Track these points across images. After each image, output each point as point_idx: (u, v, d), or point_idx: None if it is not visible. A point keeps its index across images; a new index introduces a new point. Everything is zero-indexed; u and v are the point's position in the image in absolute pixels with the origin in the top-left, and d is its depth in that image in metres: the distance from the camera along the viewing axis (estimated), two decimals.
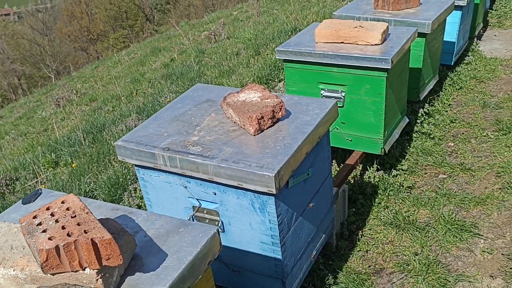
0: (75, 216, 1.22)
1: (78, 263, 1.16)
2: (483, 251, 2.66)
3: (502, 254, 2.58)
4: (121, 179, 3.79)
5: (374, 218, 3.05)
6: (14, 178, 4.71)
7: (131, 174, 3.82)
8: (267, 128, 1.99)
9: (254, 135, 1.96)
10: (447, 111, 4.15)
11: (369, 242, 2.89)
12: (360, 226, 3.00)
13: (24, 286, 1.21)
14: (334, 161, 3.62)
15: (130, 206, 3.43)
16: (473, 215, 2.95)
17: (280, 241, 1.89)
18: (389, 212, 3.05)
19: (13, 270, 1.21)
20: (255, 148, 1.87)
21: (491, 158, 3.42)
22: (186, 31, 11.34)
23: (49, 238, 1.15)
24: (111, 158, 4.39)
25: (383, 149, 3.09)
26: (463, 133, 3.82)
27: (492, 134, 3.68)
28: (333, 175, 3.10)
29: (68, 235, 1.16)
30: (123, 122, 5.49)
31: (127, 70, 9.58)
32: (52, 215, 1.24)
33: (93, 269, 1.16)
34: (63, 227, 1.18)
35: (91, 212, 1.24)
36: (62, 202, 1.28)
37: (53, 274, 1.19)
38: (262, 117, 1.96)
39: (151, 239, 1.40)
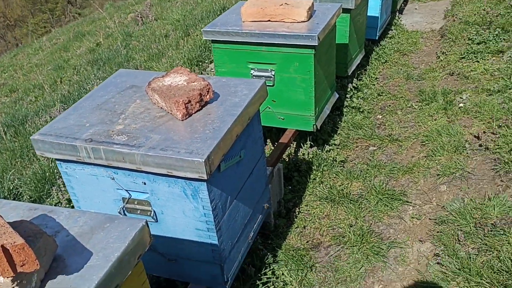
0: None
1: None
2: (412, 218, 2.78)
3: (429, 219, 2.72)
4: (48, 174, 3.58)
5: (310, 194, 3.10)
6: None
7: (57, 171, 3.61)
8: (195, 112, 1.94)
9: (182, 120, 1.89)
10: (374, 84, 4.27)
11: (306, 218, 2.94)
12: (297, 203, 3.04)
13: None
14: (268, 140, 3.63)
15: (59, 201, 3.26)
16: (402, 184, 3.08)
17: (215, 226, 1.86)
18: (324, 187, 3.12)
19: None
20: (183, 134, 1.81)
21: (416, 128, 3.57)
22: (111, 14, 10.84)
23: None
24: (36, 152, 4.13)
25: (315, 126, 3.13)
26: (389, 105, 3.96)
27: (416, 105, 3.84)
28: (267, 155, 3.11)
29: None
30: (47, 112, 5.18)
31: (50, 57, 9.03)
32: None
33: (7, 277, 1.07)
34: None
35: (1, 216, 1.13)
36: None
37: None
38: (189, 101, 1.90)
39: (74, 238, 1.32)
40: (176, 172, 1.71)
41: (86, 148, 1.78)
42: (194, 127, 1.85)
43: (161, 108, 1.99)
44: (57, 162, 1.94)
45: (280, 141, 3.10)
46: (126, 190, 1.90)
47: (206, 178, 1.70)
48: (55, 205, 3.24)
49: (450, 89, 3.80)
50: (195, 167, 1.67)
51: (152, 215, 1.92)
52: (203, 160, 1.65)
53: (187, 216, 1.86)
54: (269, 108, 3.15)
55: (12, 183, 3.62)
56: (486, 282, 2.08)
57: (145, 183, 1.84)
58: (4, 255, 1.05)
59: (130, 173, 1.84)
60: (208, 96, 1.97)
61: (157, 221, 1.94)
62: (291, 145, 3.47)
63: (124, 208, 1.95)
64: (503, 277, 2.06)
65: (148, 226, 1.35)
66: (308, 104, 3.04)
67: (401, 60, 4.72)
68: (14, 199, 3.47)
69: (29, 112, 5.46)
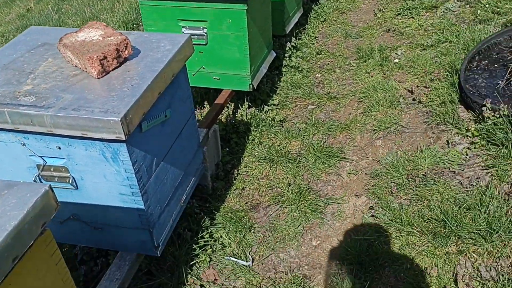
0: None
1: None
2: (349, 173, 2.80)
3: (365, 174, 2.74)
4: None
5: (248, 155, 3.05)
6: None
7: None
8: (113, 70, 1.79)
9: (98, 78, 1.75)
10: (313, 43, 4.22)
11: (245, 179, 2.89)
12: (235, 165, 2.98)
13: None
14: (206, 103, 3.52)
15: None
16: (340, 141, 3.08)
17: (140, 190, 1.75)
18: (263, 148, 3.07)
19: None
20: (99, 92, 1.67)
21: (353, 85, 3.56)
22: None
23: None
24: None
25: (251, 85, 3.04)
26: (328, 64, 3.93)
27: (354, 63, 3.83)
28: (202, 116, 3.01)
29: None
30: None
31: None
32: None
33: None
34: None
35: None
36: None
37: None
38: (105, 57, 1.75)
39: None
40: (92, 133, 1.58)
41: None
42: (111, 85, 1.71)
43: (76, 66, 1.83)
44: None
45: (215, 102, 2.99)
46: (40, 157, 1.75)
47: (124, 139, 1.58)
48: None
49: (386, 45, 3.81)
50: (111, 127, 1.55)
51: (71, 181, 1.79)
52: (119, 119, 1.53)
53: (109, 180, 1.75)
54: (203, 68, 3.02)
55: None
56: (417, 231, 2.11)
57: (60, 148, 1.70)
58: None
59: (42, 137, 1.69)
60: (126, 52, 1.82)
61: (77, 188, 1.81)
62: (229, 106, 3.38)
63: (39, 176, 1.80)
64: (433, 225, 2.11)
65: (53, 191, 1.23)
66: (243, 63, 2.94)
67: (339, 19, 4.68)
68: None
69: None
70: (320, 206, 2.63)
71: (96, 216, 1.90)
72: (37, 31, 2.14)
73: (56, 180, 1.80)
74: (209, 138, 2.70)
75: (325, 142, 3.07)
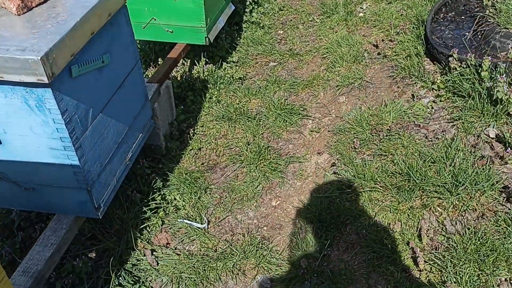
0: None
1: None
2: (311, 131, 2.65)
3: (328, 131, 2.60)
4: None
5: (206, 114, 2.86)
6: None
7: None
8: (36, 6, 1.55)
9: (18, 15, 1.51)
10: (276, 0, 4.00)
11: (202, 139, 2.70)
12: (192, 124, 2.78)
13: None
14: (160, 59, 3.28)
15: None
16: (302, 98, 2.92)
17: (73, 144, 1.55)
18: (221, 106, 2.88)
19: None
20: (18, 30, 1.44)
21: (317, 41, 3.39)
22: None
23: None
24: None
25: (207, 39, 2.82)
26: (291, 20, 3.73)
27: (317, 18, 3.64)
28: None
29: None
30: None
31: None
32: None
33: None
34: None
35: None
36: None
37: None
38: None
39: None
40: (8, 75, 1.36)
41: None
42: (33, 22, 1.47)
43: None
44: None
45: (168, 56, 2.77)
46: None
47: (47, 82, 1.36)
48: None
49: (352, 0, 3.63)
50: (31, 68, 1.33)
51: None
52: (39, 58, 1.31)
53: (36, 133, 1.53)
54: (155, 19, 2.77)
55: None
56: (380, 186, 2.00)
57: None
58: None
59: None
60: None
61: (1, 143, 1.59)
62: (184, 63, 3.15)
63: None
64: (396, 180, 1.99)
65: None
66: (198, 14, 2.71)
67: None
68: None
69: None
70: (281, 165, 2.48)
71: (26, 175, 1.68)
72: None
73: None
74: (160, 94, 2.49)
75: (286, 99, 2.91)
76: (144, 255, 2.10)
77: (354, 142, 2.29)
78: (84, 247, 2.02)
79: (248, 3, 3.69)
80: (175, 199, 2.35)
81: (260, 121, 2.76)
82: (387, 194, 1.94)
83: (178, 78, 3.02)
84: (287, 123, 2.73)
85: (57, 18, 1.48)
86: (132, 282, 1.96)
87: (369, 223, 1.88)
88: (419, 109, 2.33)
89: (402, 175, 1.97)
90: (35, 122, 1.51)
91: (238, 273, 2.00)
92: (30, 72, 1.34)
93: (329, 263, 1.84)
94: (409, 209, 1.84)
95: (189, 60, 3.16)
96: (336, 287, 1.74)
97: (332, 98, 2.82)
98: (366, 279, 1.73)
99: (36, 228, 2.06)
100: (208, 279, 2.00)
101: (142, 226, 2.18)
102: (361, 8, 3.43)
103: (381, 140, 2.21)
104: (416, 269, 1.68)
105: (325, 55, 3.18)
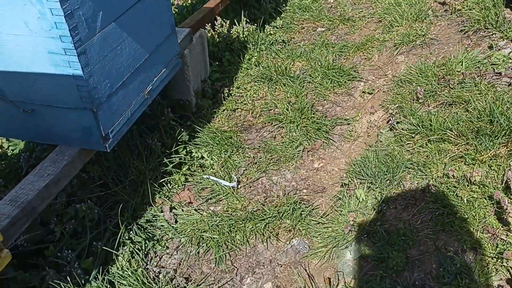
0: None
1: None
2: (363, 92, 2.29)
3: (383, 92, 2.22)
4: None
5: (244, 76, 2.56)
6: None
7: None
8: None
9: None
10: None
11: (237, 100, 2.40)
12: (227, 85, 2.48)
13: None
14: None
15: None
16: (353, 61, 2.56)
17: (75, 45, 1.27)
18: (261, 68, 2.57)
19: None
20: None
21: (372, 8, 3.04)
22: None
23: None
24: None
25: None
26: None
27: None
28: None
29: None
30: None
31: None
32: None
33: None
34: None
35: None
36: None
37: None
38: None
39: None
40: None
41: None
42: None
43: None
44: None
45: (204, 6, 2.50)
46: None
47: None
48: None
49: None
50: None
51: None
52: None
53: (32, 30, 1.27)
54: None
55: None
56: (452, 135, 1.60)
57: None
58: None
59: None
60: None
61: None
62: (223, 23, 2.87)
63: None
64: (474, 125, 1.58)
65: None
66: None
67: None
68: None
69: None
70: (326, 125, 2.13)
71: (24, 91, 1.42)
72: None
73: None
74: (193, 41, 2.20)
75: (335, 61, 2.56)
76: (162, 211, 1.79)
77: (416, 92, 1.91)
78: (93, 193, 1.73)
79: None
80: (202, 157, 2.05)
81: (304, 81, 2.43)
82: (462, 143, 1.54)
83: (216, 38, 2.74)
84: (334, 84, 2.38)
85: None
86: (145, 238, 1.65)
87: (437, 175, 1.49)
88: (498, 59, 1.92)
89: (482, 121, 1.57)
90: (30, 15, 1.24)
91: (270, 236, 1.65)
92: None
93: (383, 222, 1.46)
94: (491, 158, 1.44)
95: (229, 21, 2.87)
96: (393, 249, 1.35)
97: (389, 59, 2.45)
98: (433, 240, 1.34)
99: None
100: (234, 241, 1.66)
101: (162, 181, 1.88)
102: None
103: (452, 88, 1.82)
104: (502, 228, 1.27)
105: (381, 19, 2.81)
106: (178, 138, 2.03)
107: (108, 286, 1.48)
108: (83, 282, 1.44)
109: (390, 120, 1.85)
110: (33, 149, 1.99)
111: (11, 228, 1.26)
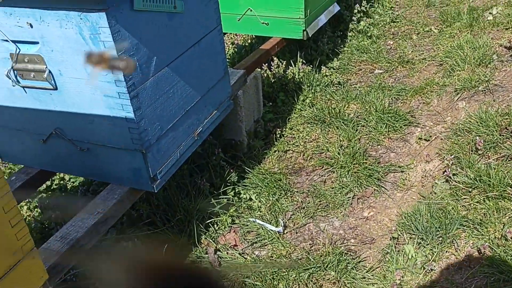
0: None
1: None
2: (419, 139, 2.20)
3: (441, 139, 2.13)
4: None
5: (297, 117, 2.55)
6: None
7: None
8: None
9: None
10: (388, 13, 3.65)
11: (289, 141, 2.39)
12: (280, 125, 2.49)
13: None
14: None
15: None
16: (410, 106, 2.49)
17: (128, 90, 1.33)
18: (315, 109, 2.55)
19: None
20: None
21: (433, 50, 2.96)
22: None
23: None
24: None
25: (305, 32, 2.56)
26: (404, 31, 3.34)
27: (436, 29, 3.21)
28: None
29: None
30: None
31: None
32: None
33: None
34: None
35: None
36: None
37: None
38: None
39: None
40: None
41: None
42: None
43: None
44: None
45: (261, 47, 2.54)
46: (13, 42, 1.38)
47: (105, 7, 1.17)
48: None
49: (477, 7, 3.16)
50: None
51: (49, 78, 1.40)
52: None
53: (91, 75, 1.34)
54: (250, 10, 2.59)
55: None
56: None
57: (31, 26, 1.32)
58: None
59: (12, 10, 1.32)
60: None
61: (56, 89, 1.42)
62: (280, 64, 2.90)
63: (15, 72, 1.44)
64: None
65: None
66: (297, 3, 2.47)
67: None
68: None
69: None
70: (378, 172, 2.06)
71: (81, 130, 1.50)
72: None
73: (33, 77, 1.43)
74: (247, 82, 2.24)
75: (392, 104, 2.50)
76: (206, 253, 1.79)
77: (476, 143, 1.81)
78: (141, 231, 1.76)
79: (355, 11, 3.40)
80: (250, 198, 2.04)
81: (358, 125, 2.38)
82: None
83: (271, 78, 2.77)
84: (389, 129, 2.31)
85: None
86: None
87: (494, 236, 1.38)
88: None
89: None
90: None
91: (313, 287, 1.59)
92: None
93: (433, 284, 1.36)
94: None
95: (285, 62, 2.90)
96: None
97: (449, 104, 2.35)
98: None
99: None
100: None
101: (208, 221, 1.89)
102: (489, 13, 2.95)
103: None
104: None
105: (442, 62, 2.73)
106: (227, 178, 2.04)
107: None
108: None
109: (446, 171, 1.76)
110: (91, 182, 2.08)
111: (58, 265, 1.30)
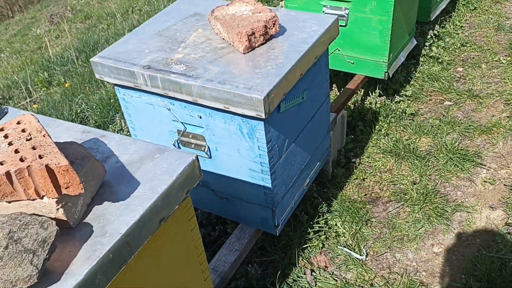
0: (31, 138, 1.08)
1: (35, 191, 1.03)
2: (484, 181, 2.56)
3: (504, 185, 2.48)
4: (112, 100, 3.64)
5: (373, 146, 2.93)
6: (7, 97, 4.58)
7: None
8: (258, 46, 1.80)
9: (244, 53, 1.77)
10: (458, 33, 3.88)
11: (367, 170, 2.79)
12: (358, 154, 2.88)
13: None
14: (334, 85, 3.43)
15: (121, 128, 3.31)
16: (477, 144, 2.81)
17: (269, 169, 1.77)
18: (389, 140, 2.92)
19: None
20: (244, 68, 1.69)
21: (501, 84, 3.22)
22: None
23: (0, 163, 1.01)
24: (95, 75, 4.20)
25: (387, 73, 2.89)
26: (473, 58, 3.59)
27: (504, 59, 3.45)
28: (332, 100, 2.94)
29: (21, 160, 1.02)
30: (116, 40, 5.22)
31: None
32: (5, 137, 1.10)
33: (51, 198, 1.04)
34: (16, 151, 1.05)
35: (48, 135, 1.09)
36: (18, 123, 1.14)
37: (9, 202, 1.07)
38: (253, 33, 1.76)
39: (123, 165, 1.27)
40: (233, 108, 1.61)
41: (144, 75, 1.72)
42: (256, 61, 1.72)
43: (223, 39, 1.87)
44: (115, 87, 1.91)
45: (347, 86, 2.90)
46: (182, 123, 1.83)
47: (264, 117, 1.59)
48: (117, 132, 3.30)
49: None
50: (253, 105, 1.56)
51: (206, 150, 1.86)
52: (263, 98, 1.53)
53: (241, 155, 1.78)
54: (339, 50, 2.93)
55: (79, 107, 3.72)
56: None
57: (200, 117, 1.76)
58: (49, 176, 1.01)
59: (186, 105, 1.76)
60: (273, 30, 1.82)
61: (210, 158, 1.88)
62: (358, 92, 3.26)
63: (178, 141, 1.90)
64: None
65: (198, 161, 1.27)
66: (382, 49, 2.80)
67: (492, 8, 4.23)
68: (80, 123, 3.57)
69: (100, 39, 5.55)
70: (447, 211, 2.45)
71: (224, 186, 1.96)
72: (190, 1, 2.22)
73: (193, 147, 1.88)
74: (336, 123, 2.63)
75: (460, 143, 2.83)
76: (304, 274, 2.26)
77: None
78: (255, 255, 2.25)
79: (429, 36, 3.65)
80: (336, 225, 2.48)
81: (428, 162, 2.74)
82: None
83: (351, 107, 3.14)
84: (458, 168, 2.67)
85: (276, 60, 1.71)
86: None
87: None
88: None
89: None
90: (243, 146, 1.76)
91: None
92: (252, 107, 1.58)
93: None
94: None
95: (363, 90, 3.25)
96: None
97: None
98: None
99: (216, 229, 2.37)
100: None
101: (304, 246, 2.35)
102: None
103: None
104: None
105: (509, 102, 3.01)
106: (319, 209, 2.48)
107: None
108: None
109: (508, 225, 2.13)
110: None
111: None
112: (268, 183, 1.81)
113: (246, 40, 1.74)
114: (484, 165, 2.66)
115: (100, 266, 1.03)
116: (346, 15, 2.79)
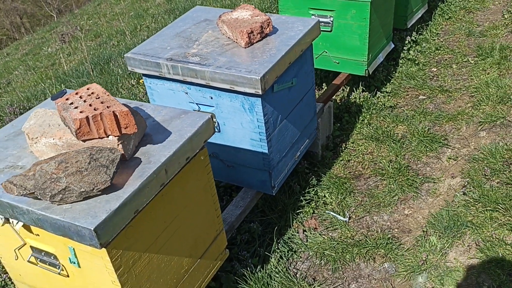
0: (99, 97, 1.57)
1: (104, 131, 1.52)
2: (449, 158, 3.03)
3: (464, 160, 2.95)
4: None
5: (357, 133, 3.41)
6: (27, 108, 5.07)
7: (138, 100, 4.16)
8: (256, 42, 2.30)
9: (245, 48, 2.26)
10: (434, 39, 4.40)
11: (351, 153, 3.26)
12: (344, 140, 3.36)
13: (61, 151, 1.59)
14: (324, 84, 3.93)
15: None
16: (445, 129, 3.30)
17: (266, 137, 2.25)
18: (371, 128, 3.41)
19: (53, 139, 1.58)
20: (245, 58, 2.19)
21: (468, 80, 3.72)
22: None
23: (80, 112, 1.50)
24: (118, 86, 4.72)
25: (367, 71, 3.39)
26: (446, 60, 4.10)
27: (472, 60, 3.95)
28: (320, 94, 3.43)
29: (95, 109, 1.51)
30: None
31: (130, 6, 9.66)
32: (80, 97, 1.59)
33: (114, 136, 1.53)
34: (90, 105, 1.54)
35: (109, 94, 1.59)
36: (87, 89, 1.63)
37: (84, 141, 1.56)
38: (252, 32, 2.26)
39: (158, 123, 1.76)
40: (237, 87, 2.11)
41: (167, 65, 2.22)
42: (254, 53, 2.22)
43: (228, 38, 2.37)
44: (143, 78, 2.40)
45: (333, 82, 3.40)
46: (197, 104, 2.33)
47: (260, 94, 2.08)
48: None
49: (508, 45, 3.87)
50: (252, 84, 2.05)
51: (216, 126, 2.34)
52: (259, 78, 2.03)
53: (244, 127, 2.27)
54: (326, 52, 3.44)
55: None
56: (502, 208, 2.33)
57: (212, 98, 2.26)
58: (114, 120, 1.50)
59: (201, 88, 2.26)
60: (268, 29, 2.32)
61: (219, 131, 2.37)
62: (344, 88, 3.76)
63: None
64: None
65: (213, 119, 1.76)
66: (362, 50, 3.30)
67: (465, 17, 4.76)
68: None
69: (113, 54, 6.08)
70: (416, 182, 2.92)
71: (230, 156, 2.44)
72: (201, 10, 2.74)
73: None
74: (324, 112, 3.12)
75: (430, 129, 3.32)
76: (297, 232, 2.72)
77: (485, 169, 2.64)
78: (257, 217, 2.72)
79: (407, 41, 4.17)
80: (324, 196, 2.95)
81: (403, 144, 3.22)
82: (507, 215, 2.27)
83: (338, 101, 3.64)
84: (427, 149, 3.15)
85: (270, 52, 2.21)
86: (288, 249, 2.60)
87: (486, 234, 2.24)
88: None
89: None
90: (245, 120, 2.24)
91: (369, 259, 2.50)
92: (251, 86, 2.07)
93: (446, 261, 2.25)
94: None
95: (349, 87, 3.75)
96: (450, 278, 2.14)
97: (474, 132, 3.15)
98: (476, 277, 2.11)
99: (224, 199, 2.84)
100: (345, 259, 2.54)
101: (298, 211, 2.82)
102: None
103: (510, 172, 2.53)
104: None
105: (473, 94, 3.50)
106: (310, 182, 2.96)
107: (265, 275, 2.44)
108: (252, 271, 2.42)
109: (463, 187, 2.61)
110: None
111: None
112: (265, 149, 2.29)
113: (247, 37, 2.24)
114: (450, 146, 3.14)
115: (148, 181, 1.51)
116: (331, 22, 3.31)
